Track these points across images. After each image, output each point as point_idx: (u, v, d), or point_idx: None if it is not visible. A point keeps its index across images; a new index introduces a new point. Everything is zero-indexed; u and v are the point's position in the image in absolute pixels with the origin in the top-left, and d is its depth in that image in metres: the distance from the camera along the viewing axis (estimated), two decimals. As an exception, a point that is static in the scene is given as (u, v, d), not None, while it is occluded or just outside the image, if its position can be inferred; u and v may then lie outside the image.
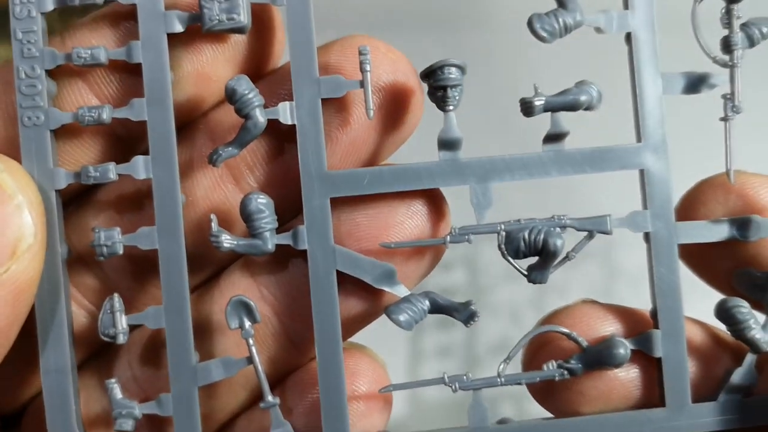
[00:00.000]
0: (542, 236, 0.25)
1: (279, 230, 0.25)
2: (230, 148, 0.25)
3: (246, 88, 0.25)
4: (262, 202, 0.25)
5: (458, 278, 0.51)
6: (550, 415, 0.27)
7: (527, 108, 0.25)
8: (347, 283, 0.25)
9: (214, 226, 0.25)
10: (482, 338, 0.51)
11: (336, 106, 0.26)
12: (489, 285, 0.52)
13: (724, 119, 0.25)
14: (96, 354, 0.27)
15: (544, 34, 0.24)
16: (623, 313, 0.26)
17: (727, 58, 0.25)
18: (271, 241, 0.25)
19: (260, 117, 0.25)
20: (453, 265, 0.51)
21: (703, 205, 0.26)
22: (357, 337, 0.27)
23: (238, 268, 0.26)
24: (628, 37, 0.26)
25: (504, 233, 0.25)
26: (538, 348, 0.27)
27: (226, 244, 0.25)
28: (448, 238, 0.25)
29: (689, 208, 0.26)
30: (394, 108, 0.26)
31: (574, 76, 0.27)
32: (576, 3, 0.25)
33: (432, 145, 0.25)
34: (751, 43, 0.26)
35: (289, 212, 0.26)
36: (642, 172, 0.26)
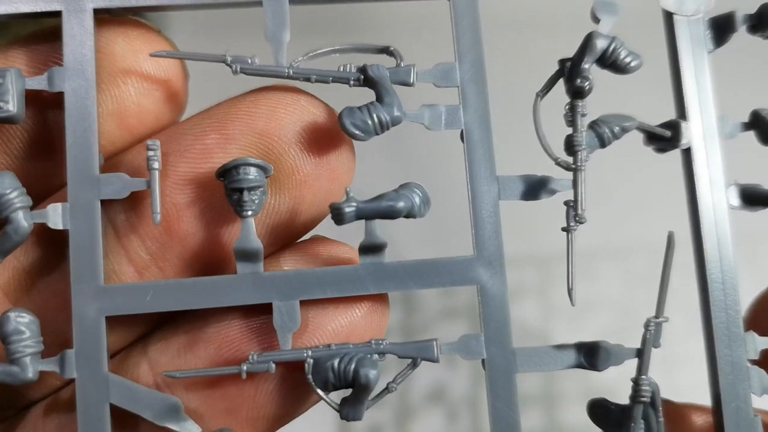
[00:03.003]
0: (353, 366, 0.21)
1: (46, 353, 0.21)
2: (-11, 257, 0.21)
3: (8, 186, 0.21)
4: (22, 322, 0.21)
5: (393, 318, 0.47)
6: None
7: (337, 215, 0.21)
8: (131, 416, 0.21)
9: (-35, 349, 0.21)
10: (416, 384, 0.47)
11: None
12: (423, 324, 0.47)
13: (566, 230, 0.22)
14: None
15: (356, 131, 0.21)
16: None
17: (570, 160, 0.22)
18: (32, 367, 0.21)
19: (23, 221, 0.21)
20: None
21: None
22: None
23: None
24: (462, 135, 0.23)
25: (311, 361, 0.21)
26: None
27: (-25, 372, 0.21)
28: (245, 366, 0.21)
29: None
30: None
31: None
32: (393, 96, 0.22)
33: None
34: (602, 143, 0.23)
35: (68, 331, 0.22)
36: (477, 289, 0.22)
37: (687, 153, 0.23)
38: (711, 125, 0.23)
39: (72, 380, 0.21)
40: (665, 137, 0.23)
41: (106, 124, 0.22)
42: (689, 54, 0.24)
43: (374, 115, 0.21)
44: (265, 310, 0.22)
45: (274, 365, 0.21)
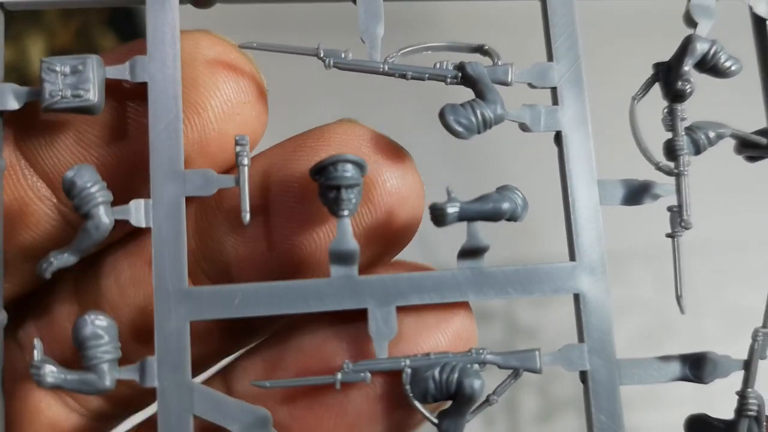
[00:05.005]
0: (456, 375, 0.20)
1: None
2: (65, 255, 0.20)
3: (88, 180, 0.20)
4: (100, 326, 0.19)
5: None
6: None
7: (438, 216, 0.20)
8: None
9: (37, 354, 0.19)
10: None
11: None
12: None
13: (671, 236, 0.21)
14: None
15: (459, 129, 0.20)
16: None
17: (672, 164, 0.22)
18: (109, 375, 0.19)
19: (104, 217, 0.20)
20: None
21: None
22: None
23: None
24: (558, 137, 0.22)
25: (409, 371, 0.20)
26: None
27: (49, 379, 0.19)
28: (339, 375, 0.20)
29: None
30: None
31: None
32: (496, 93, 0.21)
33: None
34: (697, 149, 0.22)
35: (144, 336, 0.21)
36: (577, 297, 0.21)
37: (784, 161, 0.23)
38: (808, 133, 0.23)
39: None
40: (761, 144, 0.23)
41: (187, 154, 0.21)
42: (782, 61, 0.23)
43: (478, 113, 0.20)
44: (348, 327, 0.21)
45: (369, 374, 0.20)
